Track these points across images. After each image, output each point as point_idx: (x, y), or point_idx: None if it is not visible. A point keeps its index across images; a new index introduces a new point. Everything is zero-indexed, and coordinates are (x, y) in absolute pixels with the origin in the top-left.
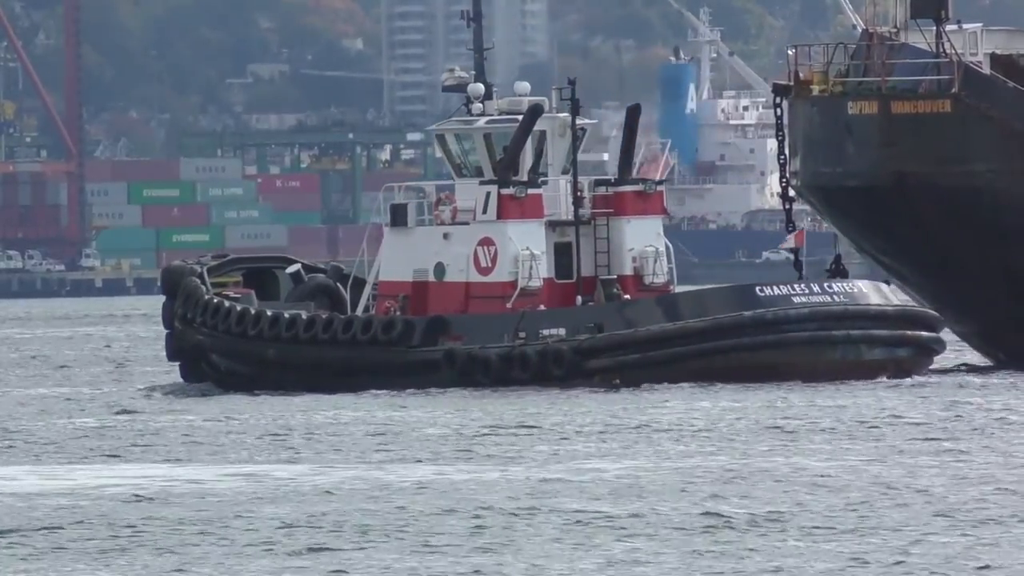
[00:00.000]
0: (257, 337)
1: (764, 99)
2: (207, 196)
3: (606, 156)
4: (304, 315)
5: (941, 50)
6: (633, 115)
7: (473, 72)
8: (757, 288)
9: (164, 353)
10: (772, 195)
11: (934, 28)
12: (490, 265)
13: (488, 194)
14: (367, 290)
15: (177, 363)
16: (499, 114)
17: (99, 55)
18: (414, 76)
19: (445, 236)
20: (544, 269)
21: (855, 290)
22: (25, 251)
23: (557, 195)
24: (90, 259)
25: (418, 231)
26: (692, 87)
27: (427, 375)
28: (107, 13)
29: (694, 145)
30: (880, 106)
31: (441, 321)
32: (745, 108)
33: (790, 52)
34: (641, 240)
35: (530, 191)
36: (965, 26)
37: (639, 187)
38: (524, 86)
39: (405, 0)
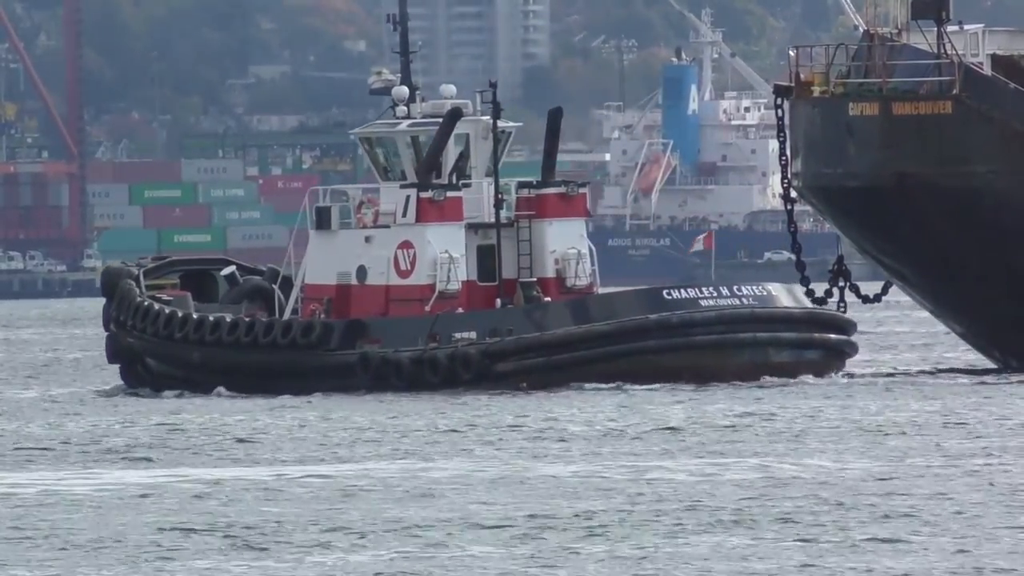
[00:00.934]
0: (183, 340)
1: (766, 100)
2: (208, 197)
3: (607, 156)
4: (228, 318)
5: (942, 51)
6: (555, 118)
7: (399, 75)
8: (664, 291)
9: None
10: (774, 196)
11: (935, 29)
12: (409, 268)
13: (408, 197)
14: (294, 293)
15: (117, 365)
16: (423, 117)
17: (100, 56)
18: (415, 77)
19: (367, 239)
20: (463, 272)
21: (765, 293)
22: (26, 252)
23: (480, 198)
24: (91, 260)
25: (341, 234)
26: (694, 88)
27: (343, 379)
28: (108, 14)
29: (696, 146)
30: (881, 107)
31: (359, 324)
32: (747, 109)
33: (791, 53)
34: (564, 242)
35: (449, 194)
36: (966, 27)
37: (562, 189)
38: (450, 89)
39: (407, 1)
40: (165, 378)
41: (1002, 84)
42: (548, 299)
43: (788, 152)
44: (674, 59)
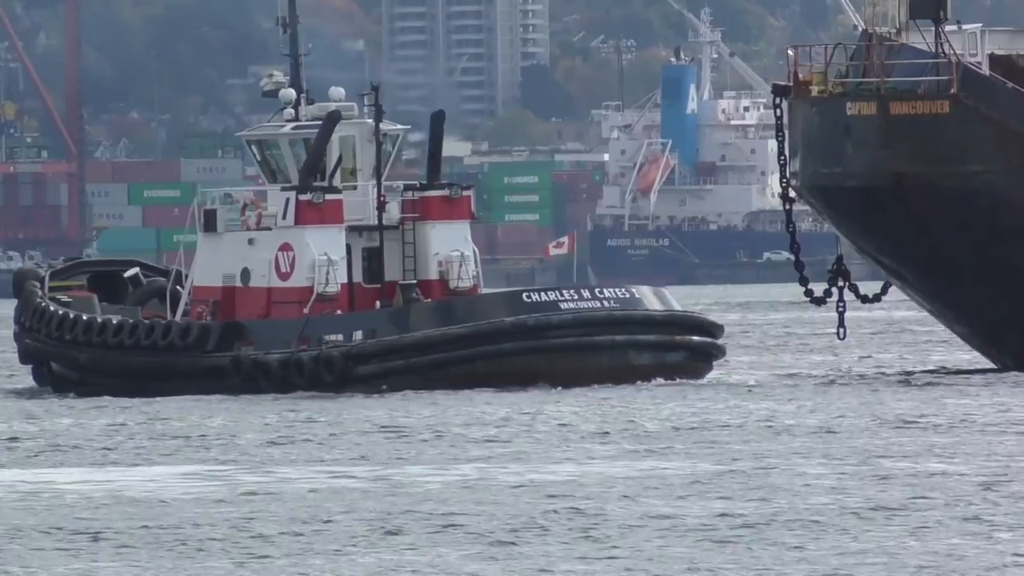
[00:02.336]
0: (72, 342)
1: (765, 100)
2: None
3: (606, 156)
4: (114, 320)
5: (940, 51)
6: (437, 122)
7: (288, 77)
8: (524, 294)
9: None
10: (773, 196)
11: (933, 29)
12: (289, 270)
13: (287, 200)
14: (185, 295)
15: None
16: (310, 120)
17: (100, 56)
18: (414, 77)
19: (250, 242)
20: (342, 274)
21: (628, 296)
22: (26, 252)
23: (366, 200)
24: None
25: (227, 237)
26: (693, 88)
27: (217, 380)
28: (108, 13)
29: (695, 146)
30: (879, 107)
31: (236, 327)
32: (746, 109)
33: (790, 53)
34: (447, 244)
35: (328, 197)
36: (965, 27)
37: (445, 192)
38: (339, 91)
39: (405, 1)
40: (62, 380)
41: (1000, 84)
42: (419, 301)
43: (787, 152)
44: (673, 59)
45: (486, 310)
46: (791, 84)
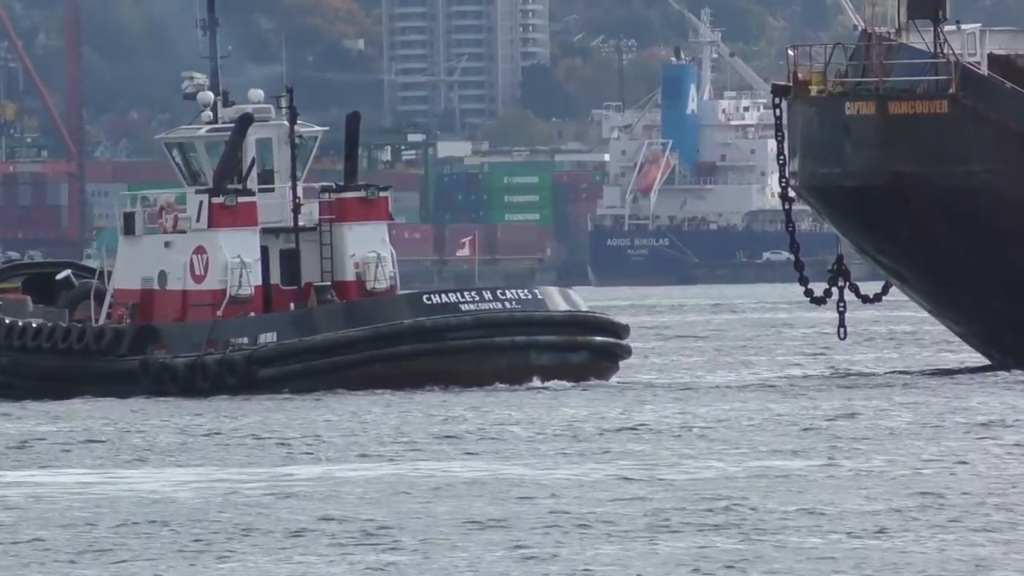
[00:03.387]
0: None
1: (765, 100)
2: None
3: (607, 156)
4: (34, 323)
5: (939, 51)
6: (353, 124)
7: (209, 80)
8: (425, 296)
9: None
10: (773, 196)
11: (932, 28)
12: (203, 273)
13: (201, 203)
14: (107, 298)
15: None
16: (227, 122)
17: (100, 56)
18: (415, 77)
19: (166, 244)
20: (256, 277)
21: (530, 297)
22: (25, 252)
23: (283, 202)
24: (91, 259)
25: (145, 239)
26: (693, 88)
27: (129, 384)
28: (107, 13)
29: (695, 146)
30: (877, 107)
31: (149, 330)
32: (746, 109)
33: (790, 52)
34: (364, 246)
35: (241, 199)
36: (964, 26)
37: (362, 194)
38: (257, 93)
39: (406, 1)
40: None
41: (999, 84)
42: (324, 303)
43: (786, 151)
44: (673, 59)
45: (387, 312)
46: (790, 84)
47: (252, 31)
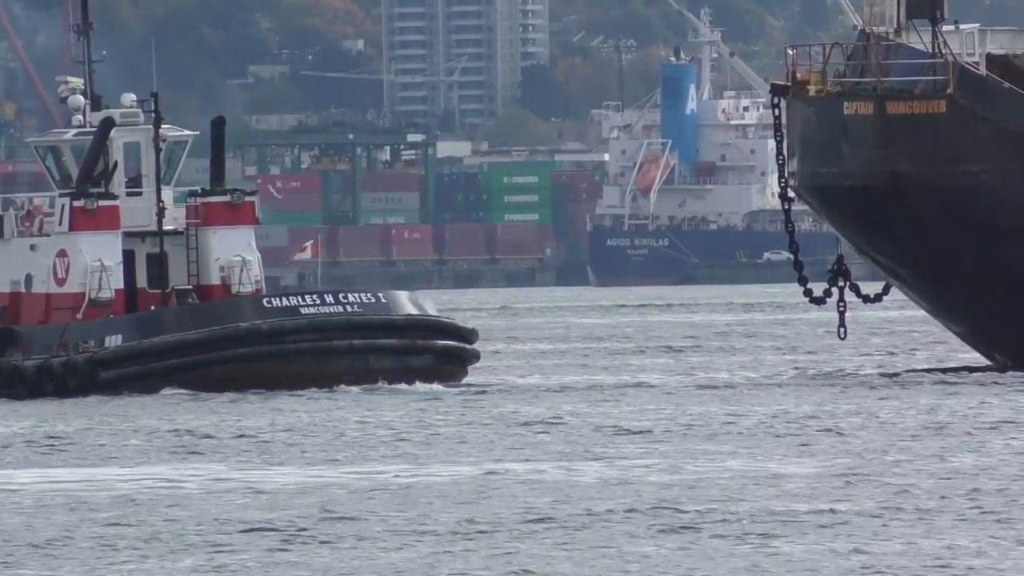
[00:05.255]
0: None
1: (764, 99)
2: None
3: (606, 156)
4: None
5: (937, 51)
6: (218, 128)
7: (84, 85)
8: (266, 299)
9: None
10: (773, 196)
11: (930, 28)
12: (65, 276)
13: (63, 206)
14: None
15: None
16: (94, 126)
17: (99, 56)
18: (414, 77)
19: (32, 248)
20: (117, 280)
21: (373, 300)
22: None
23: (150, 206)
24: None
25: (14, 243)
26: (693, 87)
27: None
28: (107, 13)
29: (695, 145)
30: (876, 106)
31: (9, 333)
32: (745, 108)
33: (789, 52)
34: (229, 250)
35: (102, 203)
36: (962, 27)
37: (227, 198)
38: (129, 97)
39: (405, 1)
40: None
41: (996, 84)
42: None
43: (785, 151)
44: (673, 59)
45: (228, 315)
46: (789, 84)
47: (253, 31)
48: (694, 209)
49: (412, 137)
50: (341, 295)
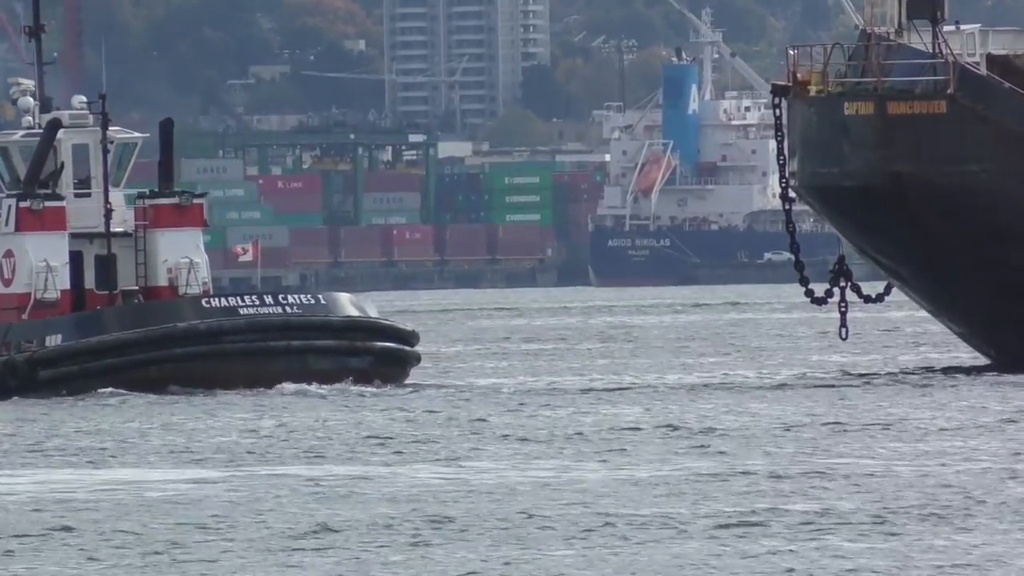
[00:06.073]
0: None
1: (766, 100)
2: (208, 197)
3: (607, 157)
4: None
5: (937, 51)
6: (166, 130)
7: (36, 86)
8: (204, 300)
9: None
10: (774, 196)
11: (931, 29)
12: (11, 276)
13: (9, 207)
14: None
15: None
16: (42, 127)
17: (100, 56)
18: (415, 77)
19: None
20: (63, 280)
21: (313, 302)
22: None
23: (99, 207)
24: None
25: None
26: (694, 88)
27: None
28: (108, 14)
29: (696, 146)
30: (876, 107)
31: None
32: (747, 109)
33: (790, 52)
34: (177, 252)
35: (48, 204)
36: (963, 27)
37: (175, 200)
38: (79, 98)
39: (407, 1)
40: None
41: (996, 84)
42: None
43: (786, 151)
44: (674, 59)
45: (167, 315)
46: (790, 84)
47: (254, 31)
48: (695, 209)
49: (413, 137)
50: (281, 296)
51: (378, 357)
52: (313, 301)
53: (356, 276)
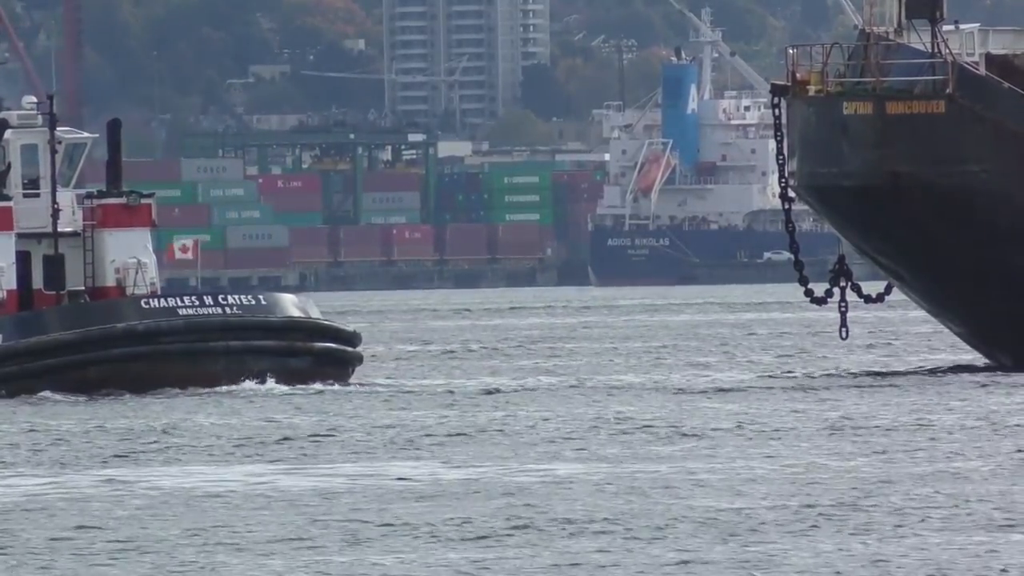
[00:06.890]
0: None
1: (765, 99)
2: (208, 197)
3: (607, 156)
4: None
5: (936, 51)
6: (114, 130)
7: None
8: (143, 300)
9: None
10: (774, 195)
11: (929, 28)
12: None
13: None
14: None
15: None
16: None
17: (100, 55)
18: (415, 76)
19: None
20: (10, 280)
21: (254, 302)
22: None
23: (47, 207)
24: None
25: None
26: (694, 87)
27: None
28: (108, 13)
29: (695, 145)
30: (875, 106)
31: None
32: (746, 108)
33: (789, 52)
34: (124, 252)
35: None
36: (962, 26)
37: (123, 200)
38: (29, 99)
39: (406, 1)
40: None
41: (995, 84)
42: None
43: (785, 151)
44: (674, 58)
45: (107, 315)
46: (789, 84)
47: (253, 31)
48: (695, 209)
49: (413, 137)
50: (221, 296)
51: (318, 358)
52: (254, 302)
53: (356, 276)
